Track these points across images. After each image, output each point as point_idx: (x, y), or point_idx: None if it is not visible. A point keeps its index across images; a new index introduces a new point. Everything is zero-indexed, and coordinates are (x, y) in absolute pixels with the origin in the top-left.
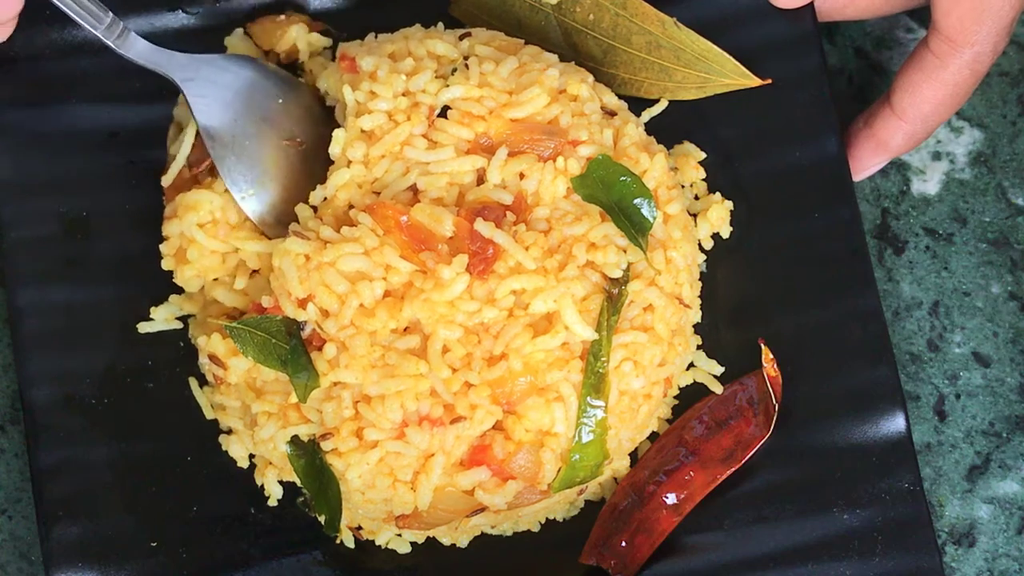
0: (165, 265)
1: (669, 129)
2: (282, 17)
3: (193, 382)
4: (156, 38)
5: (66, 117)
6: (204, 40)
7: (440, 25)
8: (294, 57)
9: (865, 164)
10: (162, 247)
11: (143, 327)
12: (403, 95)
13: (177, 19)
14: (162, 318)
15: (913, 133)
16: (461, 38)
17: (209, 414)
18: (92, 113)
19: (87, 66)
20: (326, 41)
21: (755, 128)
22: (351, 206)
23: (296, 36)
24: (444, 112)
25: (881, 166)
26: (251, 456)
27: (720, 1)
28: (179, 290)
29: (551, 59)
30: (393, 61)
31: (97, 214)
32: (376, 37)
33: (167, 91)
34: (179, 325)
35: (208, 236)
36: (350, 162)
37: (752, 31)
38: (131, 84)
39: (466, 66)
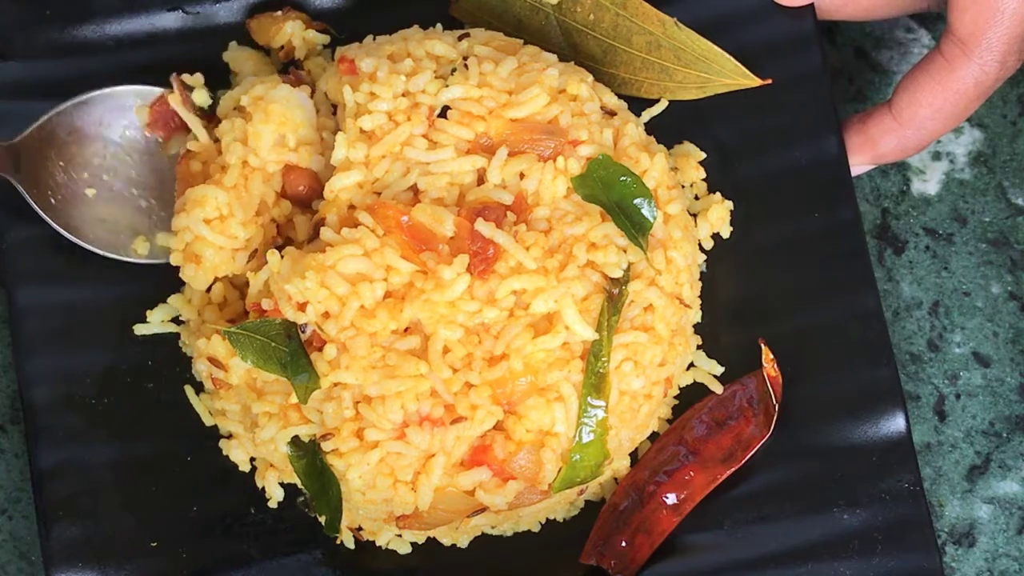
0: (173, 260)
1: (669, 129)
2: (279, 13)
3: (189, 390)
4: (156, 38)
5: None
6: (204, 40)
7: (439, 26)
8: (292, 55)
9: (850, 161)
10: (171, 242)
11: (139, 329)
12: (403, 96)
13: (177, 19)
14: (157, 320)
15: (904, 138)
16: (460, 39)
17: (208, 420)
18: None
19: (87, 66)
20: (323, 38)
21: (755, 128)
22: (352, 206)
23: (292, 31)
24: (444, 112)
25: (864, 169)
26: (252, 459)
27: (720, 1)
28: (178, 288)
29: (550, 59)
30: (392, 62)
31: None
32: (374, 39)
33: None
34: (175, 328)
35: (215, 232)
36: (352, 164)
37: (752, 31)
38: (131, 84)
39: (465, 66)
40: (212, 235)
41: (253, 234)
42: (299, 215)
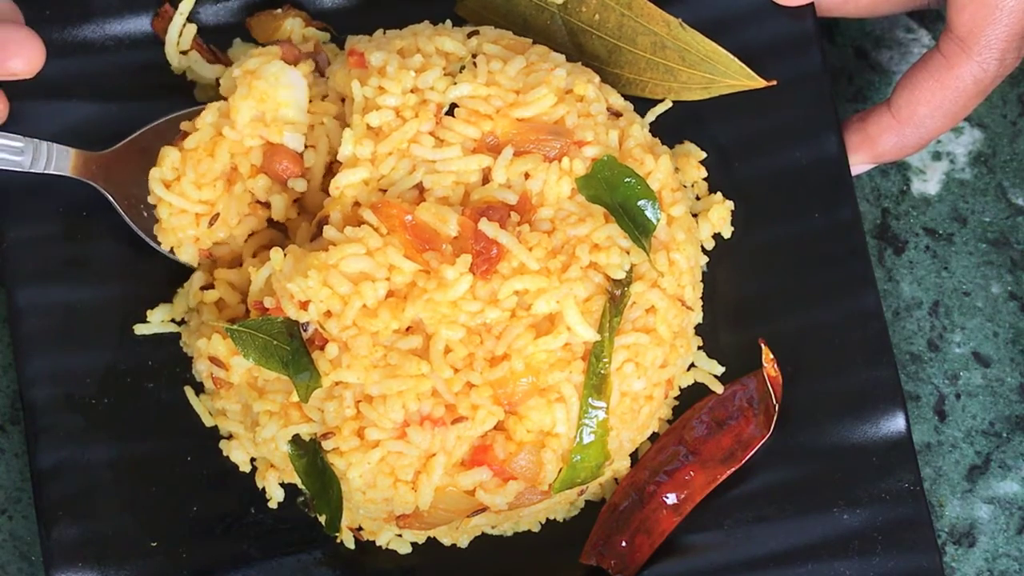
0: (156, 230)
1: (667, 129)
2: (279, 10)
3: (189, 391)
4: (156, 38)
5: (66, 117)
6: (205, 39)
7: (448, 22)
8: None
9: (850, 160)
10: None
11: (139, 329)
12: (411, 92)
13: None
14: (157, 320)
15: (903, 137)
16: (469, 36)
17: (208, 421)
18: (92, 113)
19: (87, 66)
20: (323, 35)
21: (755, 128)
22: (357, 203)
23: (292, 28)
24: (451, 110)
25: (864, 169)
26: (252, 460)
27: (720, 1)
28: (184, 278)
29: (558, 59)
30: (402, 57)
31: (97, 214)
32: (384, 33)
33: (167, 91)
34: (175, 328)
35: (171, 193)
36: (358, 160)
37: (752, 31)
38: (132, 84)
39: (474, 64)
40: (166, 194)
41: (214, 197)
42: (276, 194)
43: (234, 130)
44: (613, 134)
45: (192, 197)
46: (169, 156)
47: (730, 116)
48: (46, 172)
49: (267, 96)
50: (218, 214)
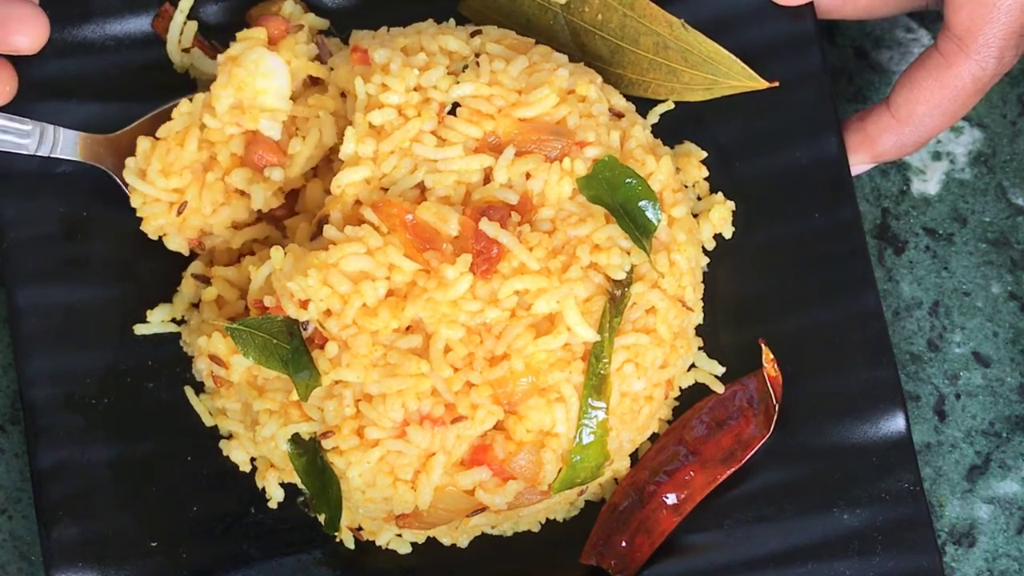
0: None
1: (669, 129)
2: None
3: (189, 391)
4: (156, 38)
5: (66, 117)
6: (206, 38)
7: (451, 21)
8: None
9: (849, 160)
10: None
11: (139, 329)
12: (414, 90)
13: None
14: (157, 320)
15: (902, 135)
16: (472, 35)
17: (208, 421)
18: (92, 113)
19: (87, 66)
20: (323, 23)
21: (755, 128)
22: (358, 202)
23: (290, 13)
24: (453, 109)
25: (864, 169)
26: (252, 460)
27: (720, 1)
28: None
29: (561, 59)
30: (405, 55)
31: (97, 214)
32: (388, 30)
33: (169, 91)
34: (175, 328)
35: (144, 182)
36: (360, 159)
37: (752, 31)
38: (133, 84)
39: (477, 63)
40: (137, 183)
41: (182, 185)
42: (255, 183)
43: (214, 118)
44: (615, 135)
45: (159, 185)
46: (141, 145)
47: (730, 116)
48: (52, 155)
49: (245, 84)
50: (185, 202)
